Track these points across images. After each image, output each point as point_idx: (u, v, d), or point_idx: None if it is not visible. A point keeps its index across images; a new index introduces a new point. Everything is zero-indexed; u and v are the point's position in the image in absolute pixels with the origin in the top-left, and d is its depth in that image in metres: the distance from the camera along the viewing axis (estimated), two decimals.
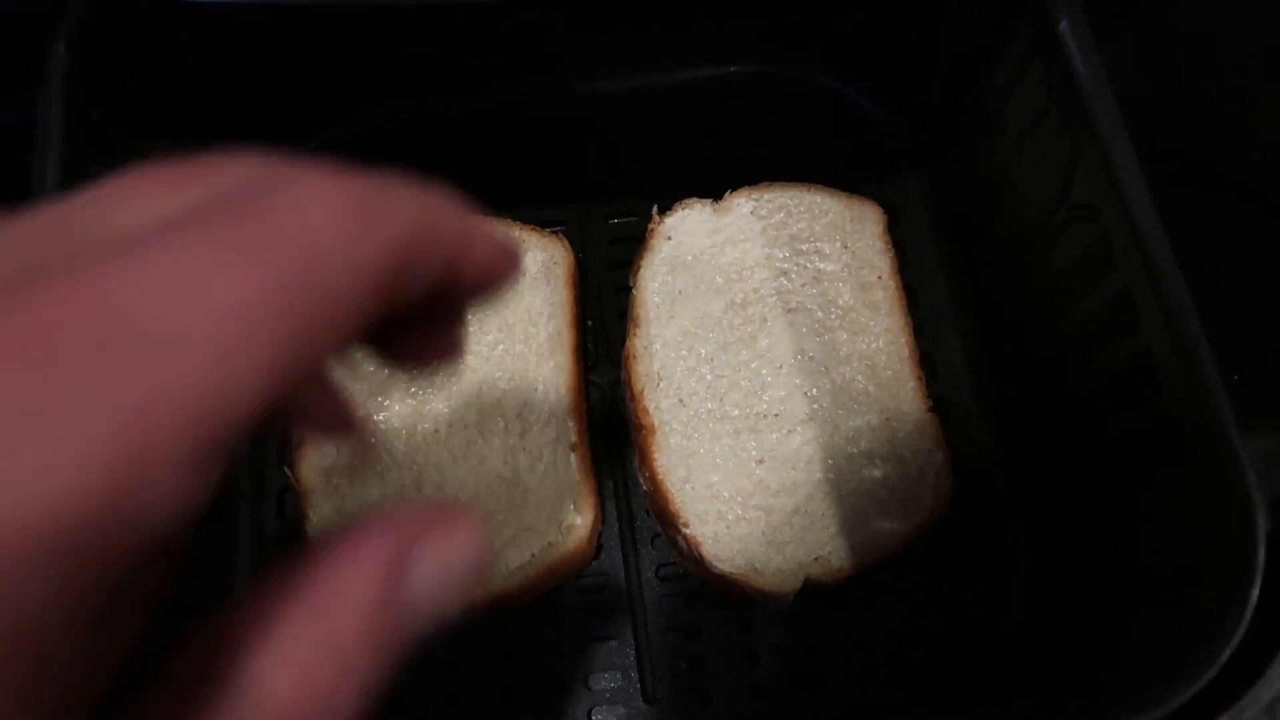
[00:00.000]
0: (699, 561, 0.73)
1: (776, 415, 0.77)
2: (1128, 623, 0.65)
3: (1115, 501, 0.69)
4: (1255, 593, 0.52)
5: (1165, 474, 0.62)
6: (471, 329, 0.80)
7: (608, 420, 0.83)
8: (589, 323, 0.86)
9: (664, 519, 0.75)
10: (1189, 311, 0.57)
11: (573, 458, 0.76)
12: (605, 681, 0.76)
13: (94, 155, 0.65)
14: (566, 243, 0.85)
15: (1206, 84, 0.88)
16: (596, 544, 0.77)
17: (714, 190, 0.85)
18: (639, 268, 0.82)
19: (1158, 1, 0.88)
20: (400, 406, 0.78)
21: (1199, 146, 0.84)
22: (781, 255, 0.83)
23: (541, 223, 0.86)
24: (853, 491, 0.75)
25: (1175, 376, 0.58)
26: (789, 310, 0.80)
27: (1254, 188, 0.89)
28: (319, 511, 0.75)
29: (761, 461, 0.76)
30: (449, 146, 0.93)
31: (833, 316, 0.81)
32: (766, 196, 0.85)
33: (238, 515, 0.80)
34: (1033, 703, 0.71)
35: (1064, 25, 0.64)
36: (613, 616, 0.77)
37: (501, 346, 0.80)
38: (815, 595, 0.74)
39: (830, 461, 0.76)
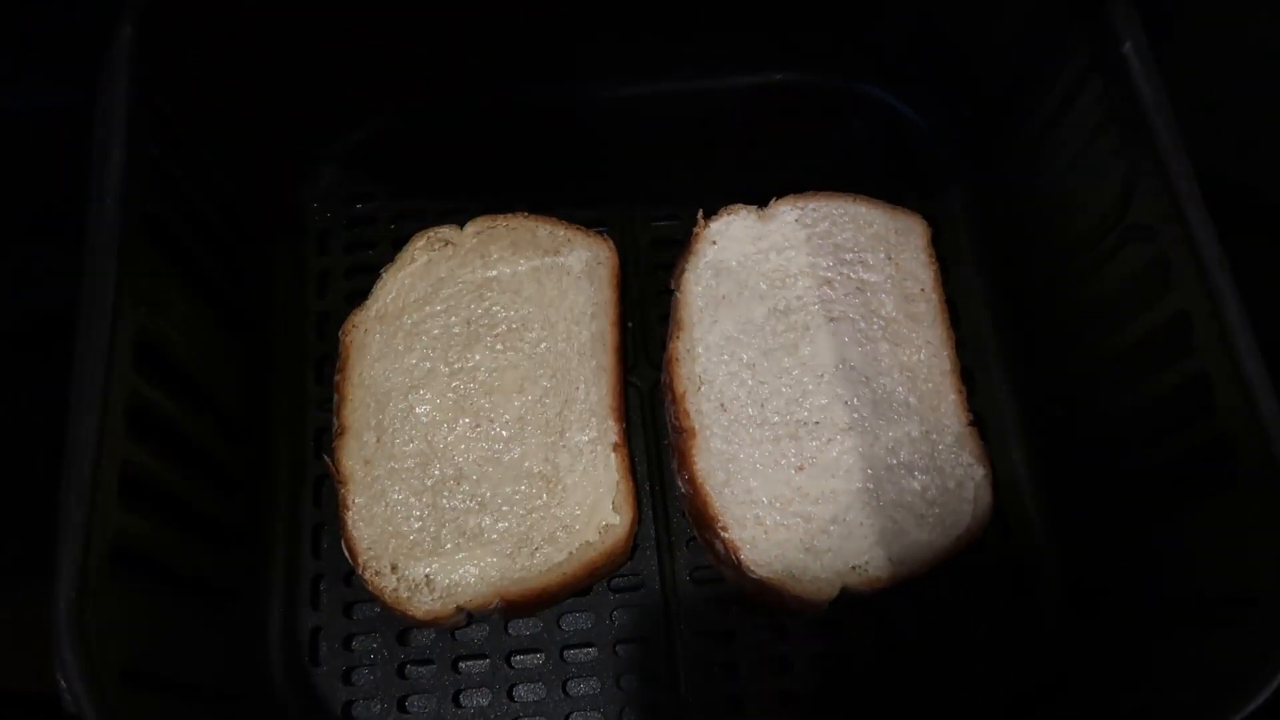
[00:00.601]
0: (736, 566, 0.73)
1: (817, 423, 0.77)
2: (1168, 643, 0.65)
3: (1158, 522, 0.68)
4: None
5: (1213, 495, 0.62)
6: (514, 326, 0.80)
7: (646, 422, 0.83)
8: (629, 324, 0.86)
9: (701, 522, 0.76)
10: (1249, 337, 0.57)
11: (613, 458, 0.76)
12: (636, 682, 0.75)
13: (156, 138, 0.65)
14: (611, 243, 0.85)
15: (1220, 98, 0.87)
16: (632, 544, 0.77)
17: (757, 197, 0.85)
18: (682, 271, 0.82)
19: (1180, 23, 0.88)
20: (441, 400, 0.78)
21: (1203, 156, 0.84)
22: (825, 264, 0.83)
23: (584, 222, 0.86)
24: (892, 502, 0.75)
25: (1232, 400, 0.58)
26: (831, 319, 0.80)
27: (1254, 187, 0.89)
28: (357, 501, 0.75)
29: (801, 468, 0.76)
30: (495, 145, 0.94)
31: (875, 327, 0.81)
32: (811, 205, 0.85)
33: (275, 503, 0.80)
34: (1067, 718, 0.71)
35: (1129, 46, 0.64)
36: (646, 618, 0.77)
37: (544, 344, 0.80)
38: (850, 603, 0.74)
39: (870, 471, 0.76)
